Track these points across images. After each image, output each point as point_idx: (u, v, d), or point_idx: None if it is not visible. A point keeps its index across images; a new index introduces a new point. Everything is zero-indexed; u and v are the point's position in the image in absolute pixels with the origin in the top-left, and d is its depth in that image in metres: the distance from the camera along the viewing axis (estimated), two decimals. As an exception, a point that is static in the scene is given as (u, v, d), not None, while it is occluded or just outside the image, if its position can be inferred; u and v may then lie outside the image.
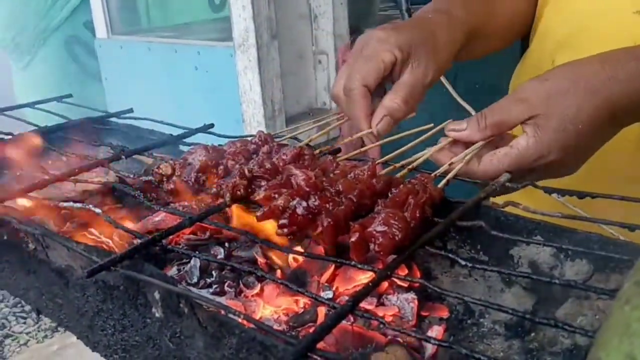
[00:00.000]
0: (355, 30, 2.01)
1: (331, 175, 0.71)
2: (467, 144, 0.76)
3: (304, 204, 0.63)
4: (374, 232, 0.58)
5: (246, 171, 0.70)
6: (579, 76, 0.71)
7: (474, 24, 0.93)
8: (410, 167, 0.78)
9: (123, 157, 0.90)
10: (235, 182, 0.69)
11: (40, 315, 3.50)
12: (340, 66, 1.85)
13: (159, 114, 1.14)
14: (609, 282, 0.61)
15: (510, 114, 0.72)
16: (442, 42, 0.85)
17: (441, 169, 0.78)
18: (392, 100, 0.81)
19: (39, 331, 3.21)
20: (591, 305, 0.62)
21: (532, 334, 0.65)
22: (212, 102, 2.06)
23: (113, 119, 1.15)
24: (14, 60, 2.90)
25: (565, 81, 0.71)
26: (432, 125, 0.93)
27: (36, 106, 1.22)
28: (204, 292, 0.68)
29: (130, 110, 1.15)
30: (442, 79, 1.23)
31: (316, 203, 0.63)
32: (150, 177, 0.83)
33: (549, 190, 0.71)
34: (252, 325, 0.52)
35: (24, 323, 3.28)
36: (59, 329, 3.20)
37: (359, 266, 0.60)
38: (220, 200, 0.71)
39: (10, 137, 1.06)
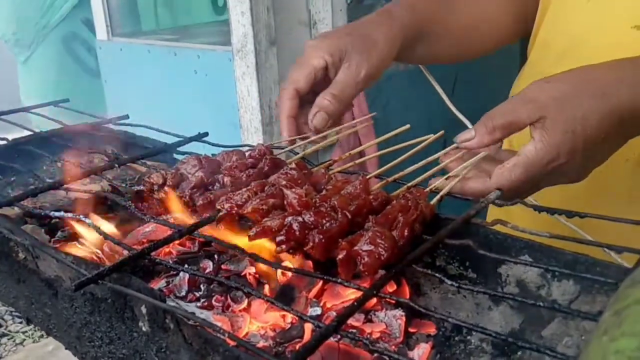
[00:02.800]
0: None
1: (324, 190, 0.72)
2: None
3: (300, 219, 0.64)
4: (360, 251, 0.59)
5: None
6: (587, 79, 0.71)
7: (418, 23, 0.96)
8: (409, 184, 0.78)
9: (117, 165, 0.90)
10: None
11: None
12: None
13: (157, 116, 1.14)
14: (595, 304, 0.61)
15: (519, 114, 0.70)
16: (378, 40, 0.89)
17: (436, 184, 0.78)
18: (322, 97, 0.86)
19: (35, 330, 3.21)
20: (577, 325, 0.62)
21: (519, 353, 0.65)
22: (210, 106, 2.06)
23: (109, 125, 1.15)
24: (16, 54, 2.95)
25: (574, 83, 0.71)
26: (430, 136, 0.93)
27: (32, 110, 1.23)
28: (192, 306, 0.68)
29: (126, 117, 1.15)
30: (439, 89, 1.23)
31: (312, 219, 0.63)
32: (142, 187, 0.84)
33: (539, 209, 0.71)
34: (236, 343, 0.52)
35: (20, 322, 3.28)
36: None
37: (346, 284, 0.60)
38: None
39: (5, 141, 1.06)
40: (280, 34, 1.70)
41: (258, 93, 1.62)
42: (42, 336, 3.18)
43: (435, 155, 0.83)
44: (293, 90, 0.88)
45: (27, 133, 1.11)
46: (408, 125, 0.98)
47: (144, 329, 0.62)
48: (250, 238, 0.65)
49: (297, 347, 0.62)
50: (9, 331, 3.25)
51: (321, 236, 0.63)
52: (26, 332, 3.21)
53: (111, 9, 2.53)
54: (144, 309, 0.61)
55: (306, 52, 0.89)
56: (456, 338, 0.69)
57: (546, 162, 0.69)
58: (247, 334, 0.64)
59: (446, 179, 0.77)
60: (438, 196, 0.75)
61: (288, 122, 0.88)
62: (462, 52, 1.11)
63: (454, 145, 0.78)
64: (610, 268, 0.60)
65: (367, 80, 0.89)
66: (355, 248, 0.59)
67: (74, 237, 0.79)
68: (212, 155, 0.91)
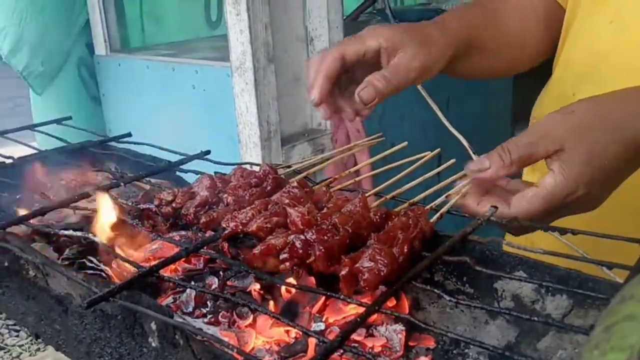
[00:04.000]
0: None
1: (325, 208, 0.74)
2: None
3: (302, 237, 0.66)
4: (361, 268, 0.61)
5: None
6: (604, 111, 0.72)
7: (468, 36, 0.95)
8: (411, 201, 0.81)
9: (122, 184, 0.92)
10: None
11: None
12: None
13: (155, 132, 1.17)
14: (587, 318, 0.64)
15: (537, 148, 0.71)
16: (435, 41, 0.89)
17: (436, 202, 0.81)
18: (373, 76, 0.84)
19: (32, 344, 3.21)
20: (571, 339, 0.65)
21: (515, 366, 0.68)
22: (209, 121, 2.09)
23: (112, 143, 1.17)
24: (33, 87, 2.82)
25: (591, 116, 0.72)
26: (427, 153, 0.96)
27: (36, 129, 1.25)
28: (199, 322, 0.70)
29: (129, 135, 1.18)
30: (433, 105, 1.26)
31: (314, 237, 0.66)
32: (148, 205, 0.86)
33: (532, 228, 0.74)
34: (243, 359, 0.54)
35: (17, 336, 3.28)
36: (52, 342, 3.21)
37: (348, 300, 0.63)
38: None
39: (11, 160, 1.08)
40: (278, 51, 1.73)
41: (256, 109, 1.64)
42: (38, 349, 3.17)
43: (448, 180, 0.84)
44: (339, 53, 0.85)
45: (32, 151, 1.13)
46: (405, 143, 1.01)
47: (153, 344, 0.64)
48: (255, 256, 0.67)
49: (302, 361, 0.65)
50: (5, 345, 3.24)
51: (322, 248, 0.66)
52: (22, 345, 3.21)
53: (109, 25, 2.55)
54: (153, 326, 0.63)
55: (363, 32, 0.87)
56: (454, 351, 0.72)
57: (565, 195, 0.70)
58: (253, 349, 0.67)
59: (445, 197, 0.79)
60: (438, 214, 0.77)
61: (324, 83, 0.85)
62: (503, 67, 1.12)
63: (462, 173, 0.78)
64: (601, 283, 0.63)
65: (421, 71, 0.87)
66: (357, 265, 0.61)
67: (83, 255, 0.81)
68: (215, 173, 0.93)
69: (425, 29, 0.90)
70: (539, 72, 1.22)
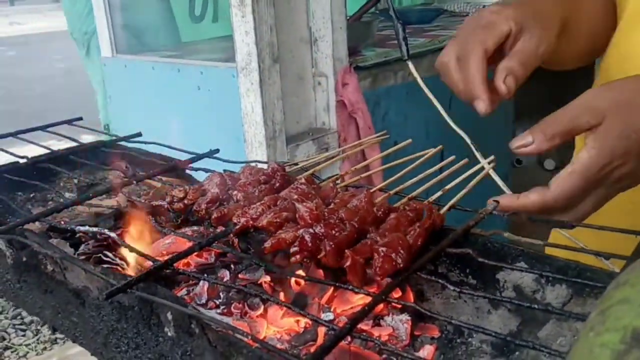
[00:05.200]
0: (353, 53, 2.08)
1: (332, 204, 0.77)
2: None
3: (311, 231, 0.69)
4: (379, 250, 0.64)
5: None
6: None
7: (563, 16, 0.91)
8: (410, 195, 0.84)
9: (134, 182, 0.95)
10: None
11: (40, 328, 3.51)
12: (339, 88, 1.90)
13: (162, 131, 1.20)
14: (586, 306, 0.67)
15: (579, 121, 0.71)
16: (548, 18, 0.86)
17: (435, 196, 0.84)
18: (508, 62, 0.82)
19: (38, 343, 3.25)
20: (570, 326, 0.67)
21: (517, 353, 0.70)
22: (214, 121, 2.12)
23: (122, 143, 1.20)
24: (79, 48, 3.74)
25: (631, 91, 0.72)
26: (430, 150, 0.99)
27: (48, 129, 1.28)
28: (213, 312, 0.73)
29: (139, 134, 1.21)
30: (436, 103, 1.29)
31: (322, 231, 0.69)
32: (159, 202, 0.89)
33: (533, 219, 0.77)
34: (258, 345, 0.57)
35: (24, 335, 3.32)
36: (57, 341, 3.24)
37: (357, 290, 0.65)
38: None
39: (25, 160, 1.11)
40: (283, 52, 1.75)
41: (262, 109, 1.67)
42: (45, 348, 3.21)
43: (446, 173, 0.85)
44: (482, 51, 0.82)
45: (44, 151, 1.16)
46: (410, 140, 1.04)
47: (169, 334, 0.67)
48: (267, 250, 0.70)
49: (312, 349, 0.67)
50: (12, 344, 3.28)
51: (332, 243, 0.69)
52: (29, 344, 3.25)
53: (115, 27, 2.59)
54: (169, 315, 0.66)
55: (488, 17, 0.84)
56: (458, 340, 0.74)
57: (600, 167, 0.70)
58: (264, 337, 0.69)
59: (442, 191, 0.82)
60: (447, 206, 0.80)
61: (485, 87, 0.81)
62: (582, 58, 1.08)
63: (463, 162, 0.80)
64: (598, 273, 0.65)
65: (544, 57, 0.85)
66: (376, 247, 0.65)
67: (98, 250, 0.84)
68: (224, 171, 0.96)
69: (537, 5, 0.88)
70: (539, 73, 1.24)
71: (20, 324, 3.44)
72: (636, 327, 0.40)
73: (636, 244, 0.70)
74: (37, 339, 3.29)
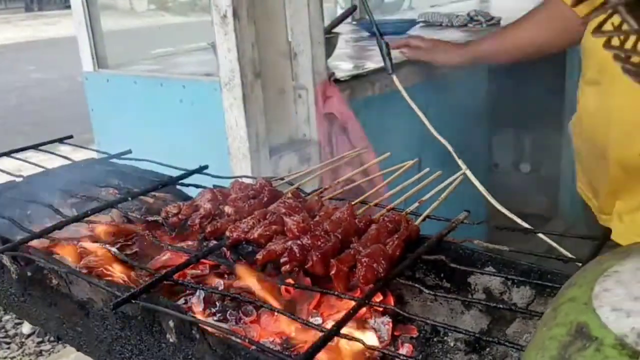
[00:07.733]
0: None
1: (317, 216, 0.84)
2: None
3: (299, 242, 0.76)
4: (362, 262, 0.71)
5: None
6: None
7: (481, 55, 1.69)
8: (389, 207, 0.91)
9: (129, 198, 1.01)
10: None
11: (24, 340, 3.52)
12: (319, 101, 1.97)
13: (145, 146, 1.26)
14: (547, 305, 0.74)
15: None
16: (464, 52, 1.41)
17: (411, 207, 0.91)
18: (414, 40, 1.68)
19: (23, 356, 3.25)
20: (534, 324, 0.75)
21: (487, 349, 0.78)
22: (197, 134, 2.17)
23: (113, 160, 1.26)
24: None
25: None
26: (407, 163, 1.06)
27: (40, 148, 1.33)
28: (210, 320, 0.79)
29: (129, 152, 1.26)
30: (417, 110, 1.38)
31: (309, 242, 0.76)
32: (155, 217, 0.95)
33: (500, 227, 0.84)
34: (254, 348, 0.64)
35: (8, 348, 3.32)
36: (43, 353, 3.25)
37: (342, 296, 0.72)
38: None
39: (21, 179, 1.16)
40: (264, 67, 1.82)
41: (245, 123, 1.73)
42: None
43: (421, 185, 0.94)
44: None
45: (39, 170, 1.21)
46: (389, 153, 1.11)
47: (171, 340, 0.73)
48: (259, 261, 0.77)
49: (302, 350, 0.74)
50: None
51: (318, 254, 0.75)
52: (14, 357, 3.25)
53: (97, 42, 2.63)
54: (171, 323, 0.72)
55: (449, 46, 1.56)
56: (435, 339, 0.81)
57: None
58: (259, 341, 0.76)
59: (418, 202, 0.89)
60: (421, 217, 0.87)
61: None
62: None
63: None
64: (558, 275, 0.73)
65: (436, 62, 1.74)
66: (359, 257, 0.72)
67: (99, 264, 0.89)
68: (214, 186, 1.02)
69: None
70: (517, 80, 1.43)
71: (5, 337, 3.44)
72: (580, 322, 0.47)
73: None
74: (22, 352, 3.30)
